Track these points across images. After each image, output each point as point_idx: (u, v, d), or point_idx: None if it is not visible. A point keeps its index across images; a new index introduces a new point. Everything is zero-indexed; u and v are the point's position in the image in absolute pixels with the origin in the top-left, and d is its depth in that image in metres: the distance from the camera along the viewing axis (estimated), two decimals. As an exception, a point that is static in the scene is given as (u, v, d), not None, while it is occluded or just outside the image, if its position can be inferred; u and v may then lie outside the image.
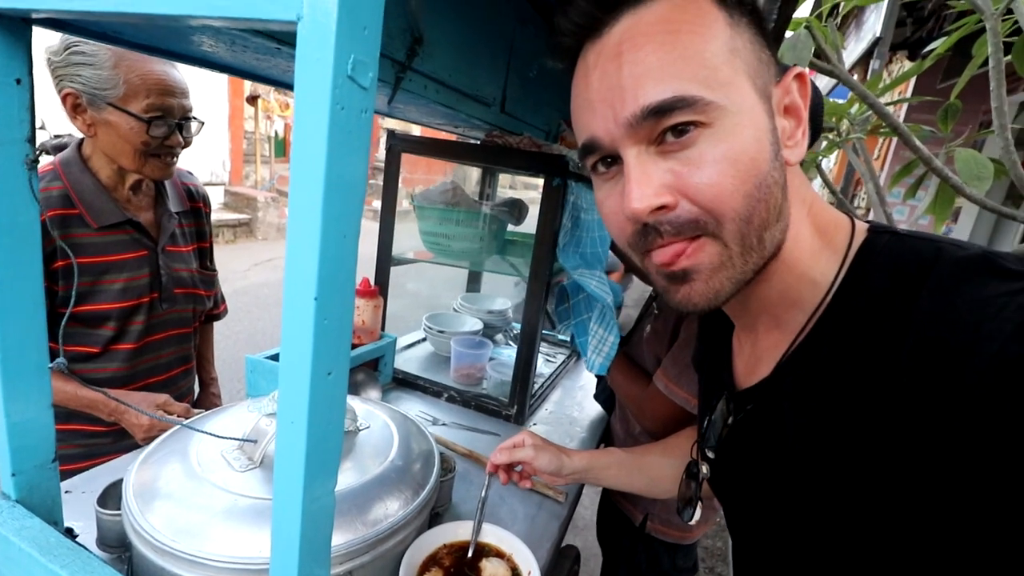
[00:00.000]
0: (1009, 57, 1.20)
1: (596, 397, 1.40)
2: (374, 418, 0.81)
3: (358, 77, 0.34)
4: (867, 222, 0.46)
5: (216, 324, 1.34)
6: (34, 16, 0.48)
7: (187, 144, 1.00)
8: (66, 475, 0.79)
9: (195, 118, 1.00)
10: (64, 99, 0.90)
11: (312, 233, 0.34)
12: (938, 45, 1.43)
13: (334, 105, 0.32)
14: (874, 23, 4.17)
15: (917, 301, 0.37)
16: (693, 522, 0.62)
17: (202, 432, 0.69)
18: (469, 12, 0.89)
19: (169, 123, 0.95)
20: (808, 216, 0.45)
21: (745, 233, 0.41)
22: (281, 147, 10.81)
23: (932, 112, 1.45)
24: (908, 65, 4.96)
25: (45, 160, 0.97)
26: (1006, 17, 1.10)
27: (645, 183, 0.40)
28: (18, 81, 0.51)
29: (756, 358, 0.52)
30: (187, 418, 0.92)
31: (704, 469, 0.58)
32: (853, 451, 0.40)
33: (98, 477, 0.82)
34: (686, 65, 0.39)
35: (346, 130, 0.34)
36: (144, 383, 1.07)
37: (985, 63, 1.12)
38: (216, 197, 7.49)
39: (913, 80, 4.66)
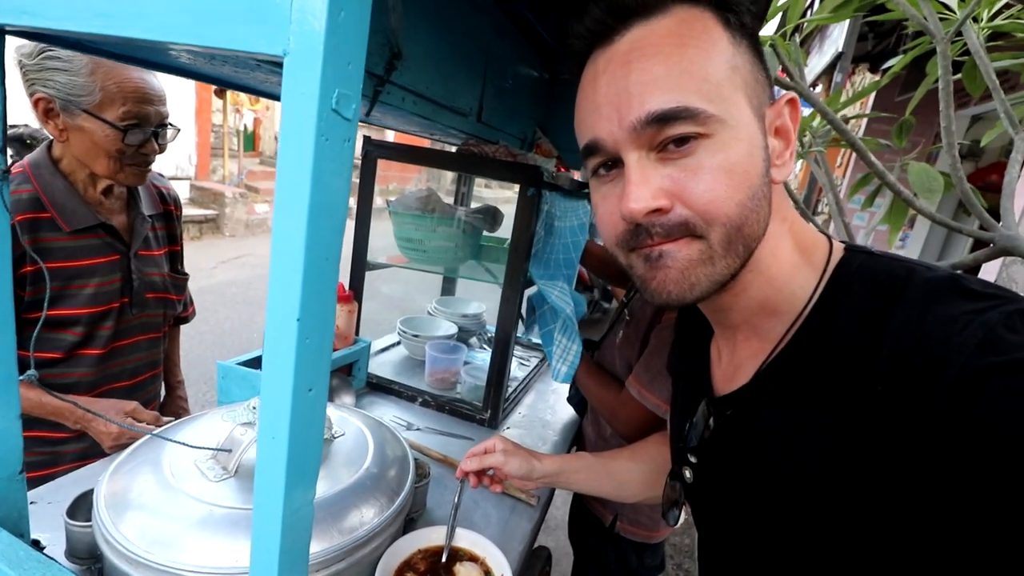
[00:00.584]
0: (960, 75, 1.28)
1: (569, 400, 1.43)
2: (349, 425, 0.82)
3: (342, 109, 0.35)
4: (843, 242, 0.50)
5: (182, 325, 1.32)
6: (8, 28, 0.48)
7: (162, 150, 0.99)
8: (29, 484, 0.77)
9: (171, 124, 0.99)
10: (36, 103, 0.88)
11: (296, 257, 0.36)
12: (895, 63, 1.51)
13: (319, 137, 0.34)
14: (837, 38, 4.35)
15: (891, 316, 0.40)
16: (678, 524, 0.64)
17: (175, 442, 0.69)
18: (447, 26, 0.91)
19: (145, 131, 0.93)
20: (789, 233, 0.48)
21: (733, 239, 0.43)
22: (250, 141, 10.54)
23: (892, 123, 1.53)
24: (870, 76, 5.18)
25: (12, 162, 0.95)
26: (956, 39, 1.17)
27: (644, 186, 0.43)
28: (-11, 91, 0.51)
29: (734, 366, 0.54)
30: (157, 426, 0.91)
31: (687, 473, 0.59)
32: (830, 455, 0.42)
33: (64, 487, 0.80)
34: (691, 78, 0.41)
35: (329, 158, 0.36)
36: (110, 387, 1.05)
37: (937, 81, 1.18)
38: (182, 192, 7.26)
39: (875, 91, 4.87)
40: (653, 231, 0.44)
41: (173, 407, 1.29)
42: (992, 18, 1.19)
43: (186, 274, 1.22)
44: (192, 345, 3.62)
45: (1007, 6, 1.12)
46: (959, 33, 1.15)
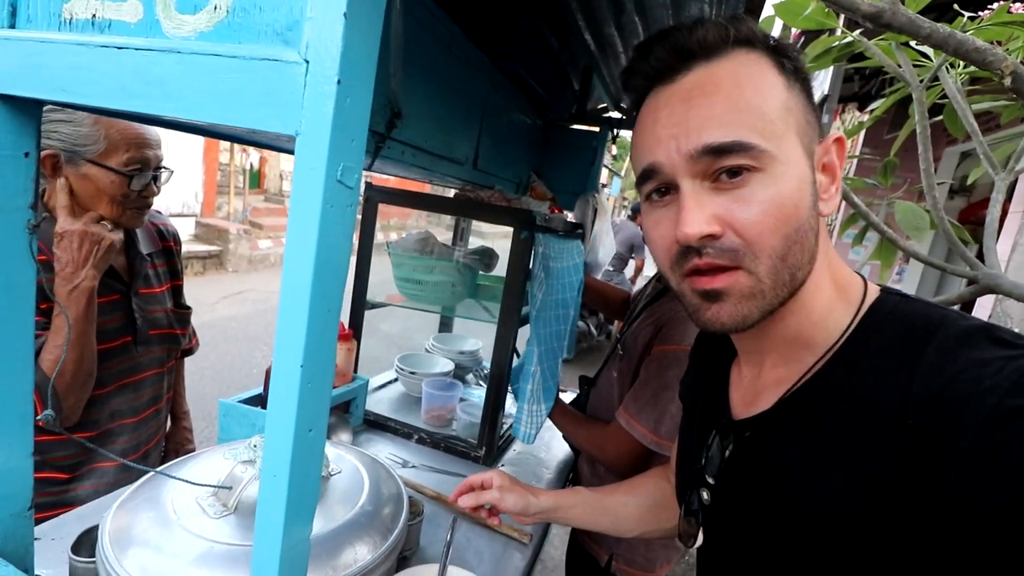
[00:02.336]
0: (941, 117, 1.34)
1: (565, 437, 1.45)
2: (345, 463, 0.84)
3: (346, 180, 0.40)
4: (878, 284, 0.52)
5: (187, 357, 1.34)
6: (46, 102, 0.54)
7: (158, 193, 1.03)
8: (35, 522, 0.79)
9: (165, 168, 1.03)
10: (43, 161, 0.89)
11: (301, 310, 0.40)
12: (877, 106, 1.59)
13: (325, 204, 0.39)
14: (823, 81, 4.51)
15: (923, 355, 0.41)
16: (696, 545, 0.64)
17: (177, 479, 0.71)
18: (445, 84, 0.98)
19: (146, 175, 0.98)
20: (828, 269, 0.51)
21: (779, 269, 0.46)
22: (256, 179, 10.78)
23: (881, 161, 1.60)
24: (859, 116, 5.34)
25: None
26: (935, 84, 1.24)
27: (698, 211, 0.45)
28: (26, 154, 0.56)
29: (756, 391, 0.55)
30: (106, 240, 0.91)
31: (705, 495, 0.59)
32: (853, 486, 0.43)
33: (66, 524, 0.82)
34: (748, 116, 0.45)
35: (334, 222, 0.40)
36: (118, 424, 1.06)
37: (919, 123, 1.23)
38: (187, 228, 7.38)
39: (864, 130, 5.02)
40: (704, 252, 0.46)
41: (178, 437, 1.30)
42: (968, 65, 1.25)
43: (189, 307, 1.24)
44: (192, 381, 3.61)
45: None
46: (936, 78, 1.22)
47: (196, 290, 5.81)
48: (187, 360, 1.36)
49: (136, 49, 0.46)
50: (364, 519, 0.72)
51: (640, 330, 1.14)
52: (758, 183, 0.45)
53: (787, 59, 0.48)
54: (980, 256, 1.22)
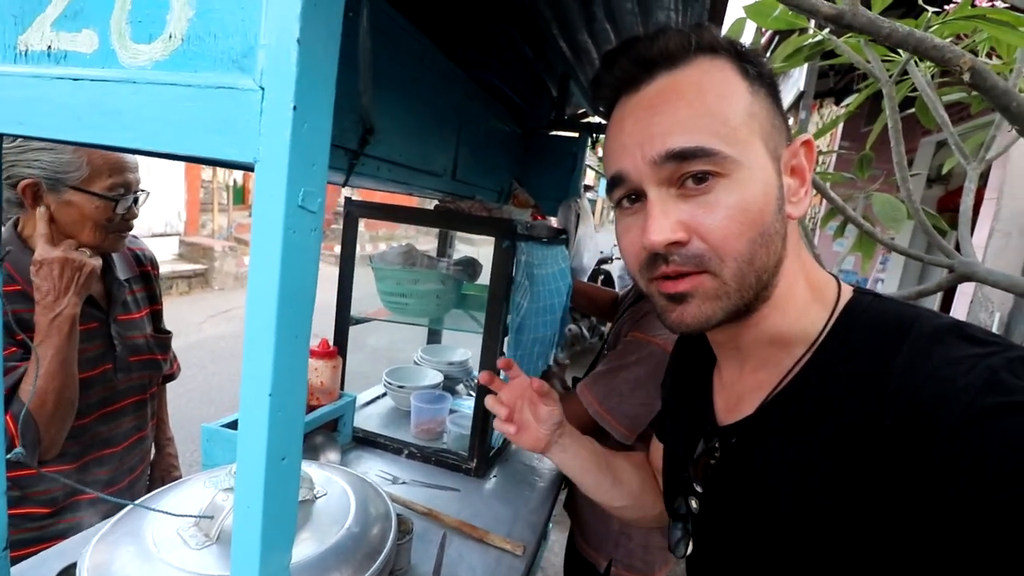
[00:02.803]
0: (914, 110, 1.36)
1: None
2: (331, 484, 0.83)
3: (307, 204, 0.40)
4: (852, 285, 0.53)
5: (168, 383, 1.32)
6: (4, 134, 0.53)
7: (137, 215, 1.04)
8: (13, 561, 0.77)
9: (143, 190, 1.03)
10: (23, 191, 0.89)
11: (267, 338, 0.39)
12: (851, 101, 1.61)
13: (287, 230, 0.38)
14: (798, 78, 4.58)
15: (897, 354, 0.42)
16: (686, 555, 0.63)
17: (156, 511, 0.70)
18: (418, 97, 0.98)
19: (129, 199, 0.98)
20: (801, 271, 0.51)
21: (744, 272, 0.47)
22: (240, 195, 10.70)
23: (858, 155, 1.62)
24: (835, 110, 5.43)
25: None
26: (905, 78, 1.25)
27: (664, 219, 0.46)
28: (-13, 188, 0.55)
29: (738, 396, 0.56)
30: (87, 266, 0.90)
31: (694, 503, 0.59)
32: (836, 486, 0.44)
33: (48, 561, 0.80)
34: (711, 122, 0.45)
35: (297, 248, 0.40)
36: (99, 455, 1.04)
37: (894, 115, 1.25)
38: (171, 248, 7.31)
39: (841, 124, 5.10)
40: (670, 258, 0.47)
41: (164, 465, 1.28)
42: (936, 58, 1.27)
43: (169, 332, 1.23)
44: (180, 403, 3.58)
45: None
46: (907, 72, 1.24)
47: (182, 310, 5.76)
48: (176, 382, 1.34)
49: (92, 80, 0.45)
50: (351, 542, 0.71)
51: (621, 328, 1.16)
52: (722, 189, 0.45)
53: (751, 64, 0.48)
54: (958, 245, 1.24)
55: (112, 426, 1.06)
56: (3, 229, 0.95)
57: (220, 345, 4.90)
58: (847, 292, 0.52)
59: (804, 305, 0.51)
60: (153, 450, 1.26)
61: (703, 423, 0.60)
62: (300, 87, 0.37)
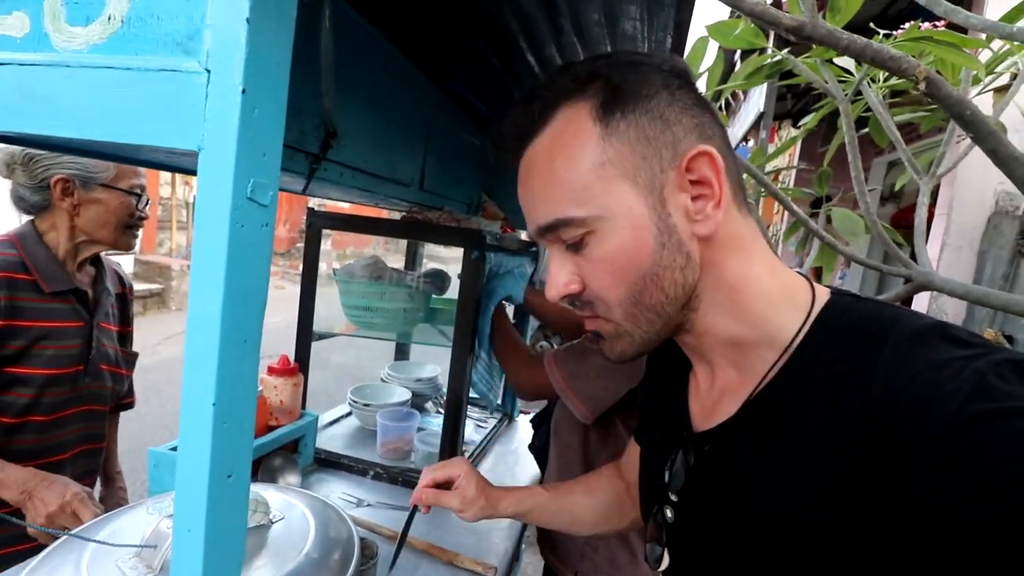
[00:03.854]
0: (867, 129, 1.41)
1: (530, 447, 1.43)
2: (290, 508, 0.78)
3: (258, 197, 0.37)
4: (827, 286, 0.51)
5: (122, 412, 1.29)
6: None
7: (148, 216, 1.13)
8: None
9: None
10: (54, 185, 0.99)
11: (211, 341, 0.36)
12: (808, 120, 1.67)
13: (234, 224, 0.35)
14: (758, 99, 4.77)
15: (880, 357, 0.40)
16: (662, 568, 0.60)
17: (94, 541, 0.64)
18: (384, 104, 0.96)
19: (145, 197, 1.08)
20: (764, 274, 0.49)
21: (634, 313, 0.48)
22: (201, 213, 10.36)
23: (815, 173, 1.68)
24: (793, 131, 5.67)
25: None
26: (859, 98, 1.31)
27: (557, 275, 0.50)
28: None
29: (713, 401, 0.54)
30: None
31: (669, 513, 0.57)
32: (818, 496, 0.42)
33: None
34: (560, 190, 0.47)
35: (245, 243, 0.37)
36: (49, 460, 1.02)
37: (848, 134, 1.30)
38: (126, 267, 7.00)
39: (799, 144, 5.33)
40: (575, 303, 0.51)
41: (114, 499, 1.24)
42: (888, 78, 1.33)
43: (136, 352, 1.26)
44: (132, 429, 3.37)
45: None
46: (860, 92, 1.29)
47: (138, 331, 5.45)
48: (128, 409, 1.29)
49: (20, 64, 0.42)
50: (309, 568, 0.66)
51: None
52: (594, 244, 0.47)
53: (608, 92, 0.46)
54: (913, 256, 1.28)
55: (67, 431, 1.06)
56: (21, 223, 1.05)
57: (176, 368, 4.67)
58: (823, 293, 0.50)
59: (766, 308, 0.49)
60: (100, 483, 1.23)
61: (679, 429, 0.59)
62: (250, 70, 0.34)
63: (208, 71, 0.35)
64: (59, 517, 0.89)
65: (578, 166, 0.46)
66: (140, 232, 1.14)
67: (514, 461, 1.49)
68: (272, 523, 0.73)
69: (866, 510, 0.39)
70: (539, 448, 1.38)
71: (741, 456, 0.49)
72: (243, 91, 0.34)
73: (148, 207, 1.12)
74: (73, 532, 0.67)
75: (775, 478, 0.45)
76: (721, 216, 0.47)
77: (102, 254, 1.14)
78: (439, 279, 1.43)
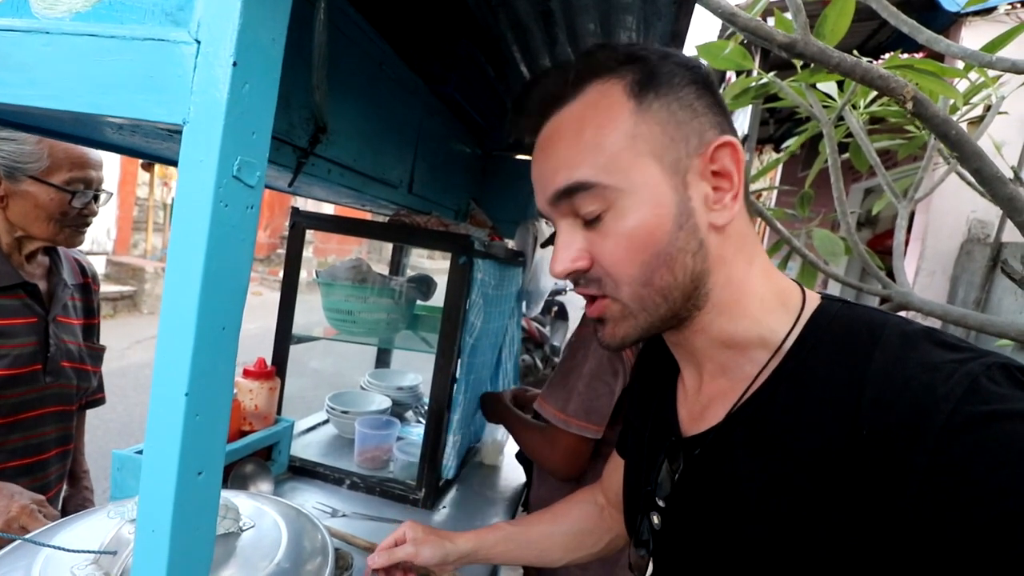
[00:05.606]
0: (848, 155, 1.45)
1: (518, 456, 1.41)
2: (262, 516, 0.74)
3: (244, 177, 0.35)
4: (818, 292, 0.52)
5: (88, 412, 1.21)
6: None
7: (96, 213, 1.03)
8: None
9: (105, 190, 1.03)
10: None
11: (187, 325, 0.34)
12: (791, 143, 1.71)
13: (217, 202, 0.33)
14: (742, 123, 4.89)
15: (871, 361, 0.40)
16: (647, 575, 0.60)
17: (49, 546, 0.60)
18: (376, 104, 0.95)
19: (87, 194, 0.97)
20: (759, 275, 0.50)
21: (643, 295, 0.47)
22: (180, 215, 10.15)
23: (797, 195, 1.71)
24: (774, 155, 5.81)
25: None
26: (840, 123, 1.34)
27: (565, 251, 0.49)
28: None
29: (702, 405, 0.54)
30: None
31: (656, 519, 0.57)
32: (811, 500, 0.41)
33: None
34: (587, 155, 0.46)
35: (229, 224, 0.35)
36: (8, 465, 0.95)
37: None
38: (98, 268, 6.79)
39: (780, 168, 5.47)
40: (578, 283, 0.50)
41: (78, 498, 1.18)
42: (869, 105, 1.37)
43: (103, 346, 1.18)
44: (97, 435, 3.24)
45: (879, 96, 1.29)
46: (842, 117, 1.32)
47: (108, 334, 5.27)
48: (91, 412, 1.23)
49: (-5, 31, 0.39)
50: (280, 579, 0.62)
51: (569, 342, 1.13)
52: (611, 219, 0.47)
53: (644, 74, 0.47)
54: (892, 277, 1.30)
55: (29, 434, 0.98)
56: None
57: (145, 374, 4.52)
58: (814, 298, 0.51)
59: (760, 310, 0.49)
60: (66, 483, 1.16)
61: (667, 434, 0.58)
62: (242, 42, 0.33)
63: (198, 42, 0.33)
64: (7, 531, 0.83)
65: (609, 135, 0.46)
66: (85, 230, 1.03)
67: (496, 472, 1.46)
68: (242, 531, 0.69)
69: (858, 512, 0.39)
70: (527, 457, 1.36)
71: (732, 460, 0.49)
72: (234, 64, 0.33)
73: (97, 203, 1.02)
74: (27, 537, 0.63)
75: (767, 481, 0.45)
76: (737, 209, 0.48)
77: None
78: (424, 284, 1.41)
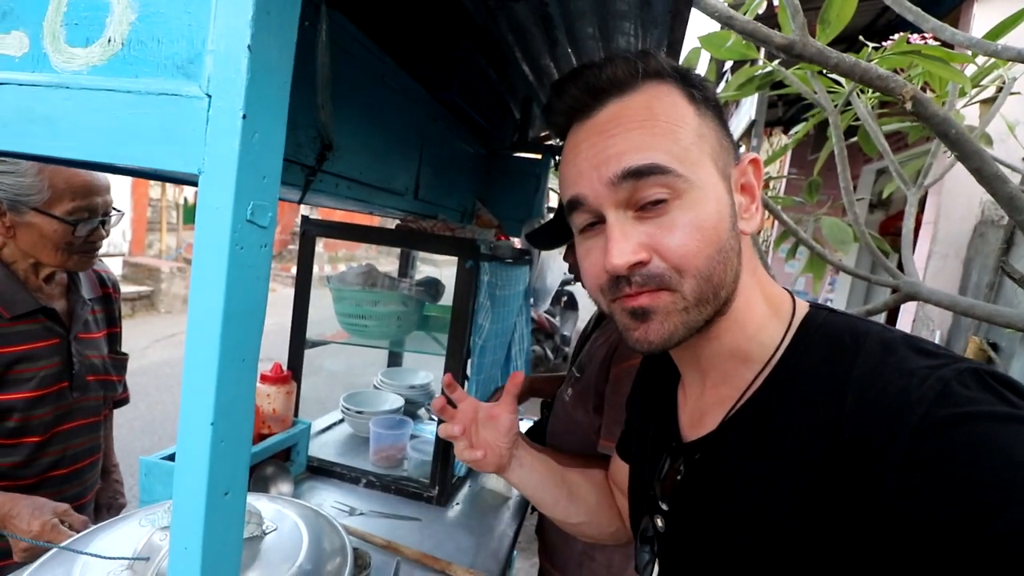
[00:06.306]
0: (856, 139, 1.44)
1: (528, 432, 1.43)
2: (283, 518, 0.78)
3: (257, 219, 0.37)
4: (806, 300, 0.54)
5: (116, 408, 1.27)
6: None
7: (107, 235, 1.03)
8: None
9: (116, 210, 1.03)
10: None
11: (210, 362, 0.36)
12: (798, 130, 1.70)
13: (233, 246, 0.36)
14: (749, 108, 4.82)
15: (854, 367, 0.43)
16: None
17: (85, 554, 0.64)
18: (380, 116, 0.96)
19: (93, 222, 0.97)
20: (758, 286, 0.52)
21: (703, 289, 0.47)
22: (191, 214, 10.29)
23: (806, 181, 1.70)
24: (784, 138, 5.72)
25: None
26: (848, 108, 1.32)
27: (624, 241, 0.47)
28: None
29: (701, 411, 0.56)
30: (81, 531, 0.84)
31: (659, 522, 0.58)
32: (800, 501, 0.44)
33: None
34: (663, 141, 0.46)
35: (245, 265, 0.37)
36: (45, 476, 0.99)
37: (836, 144, 1.32)
38: (115, 269, 6.91)
39: (790, 152, 5.40)
40: (633, 280, 0.47)
41: (109, 492, 1.23)
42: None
43: (126, 354, 1.22)
44: (121, 433, 3.32)
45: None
46: (850, 102, 1.31)
47: (126, 334, 5.38)
48: (116, 411, 1.27)
49: (20, 84, 0.42)
50: (302, 580, 0.66)
51: (595, 350, 1.13)
52: (678, 209, 0.46)
53: (696, 88, 0.50)
54: (901, 266, 1.30)
55: (63, 447, 1.02)
56: None
57: (165, 372, 4.63)
58: (802, 307, 0.53)
59: (762, 320, 0.52)
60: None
61: (668, 440, 0.60)
62: (251, 95, 0.35)
63: (209, 96, 0.35)
64: (43, 540, 0.85)
65: (681, 128, 0.47)
66: (95, 253, 1.04)
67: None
68: (265, 534, 0.73)
69: (844, 513, 0.41)
70: (537, 432, 1.38)
71: (729, 464, 0.50)
72: (244, 116, 0.35)
73: (107, 227, 1.02)
74: (63, 545, 0.67)
75: (762, 485, 0.47)
76: (760, 218, 0.51)
77: None
78: (433, 287, 1.43)
